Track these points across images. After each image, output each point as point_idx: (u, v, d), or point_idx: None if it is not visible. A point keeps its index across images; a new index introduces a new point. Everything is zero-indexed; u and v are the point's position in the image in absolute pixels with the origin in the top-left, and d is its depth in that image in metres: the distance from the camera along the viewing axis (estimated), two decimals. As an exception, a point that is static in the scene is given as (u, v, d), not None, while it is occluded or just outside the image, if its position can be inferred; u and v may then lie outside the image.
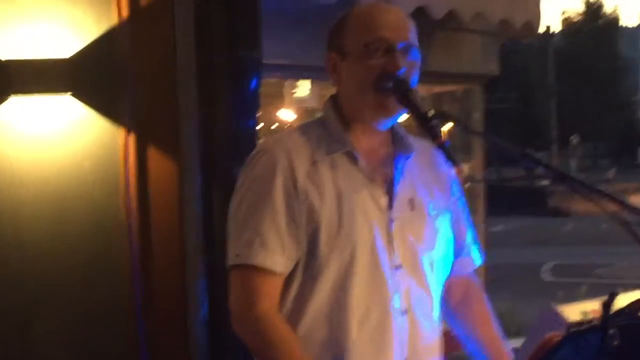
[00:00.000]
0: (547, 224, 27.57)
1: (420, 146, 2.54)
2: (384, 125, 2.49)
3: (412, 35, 2.45)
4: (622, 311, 1.71)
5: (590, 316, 1.71)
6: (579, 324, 1.68)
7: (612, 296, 1.61)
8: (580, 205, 29.63)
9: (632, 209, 2.05)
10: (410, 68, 2.42)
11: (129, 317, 3.47)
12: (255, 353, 2.46)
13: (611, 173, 44.24)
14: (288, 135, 2.51)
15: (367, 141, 2.49)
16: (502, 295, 8.69)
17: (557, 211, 31.35)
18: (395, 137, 2.53)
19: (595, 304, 1.66)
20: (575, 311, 1.76)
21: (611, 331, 1.60)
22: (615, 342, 1.60)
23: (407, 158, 2.52)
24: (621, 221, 2.12)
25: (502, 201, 27.37)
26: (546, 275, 18.17)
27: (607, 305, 1.59)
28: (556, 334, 1.62)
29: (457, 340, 2.75)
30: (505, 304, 8.11)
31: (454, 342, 2.76)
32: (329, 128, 2.49)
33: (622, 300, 1.75)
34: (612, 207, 2.08)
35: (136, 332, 3.47)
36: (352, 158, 2.45)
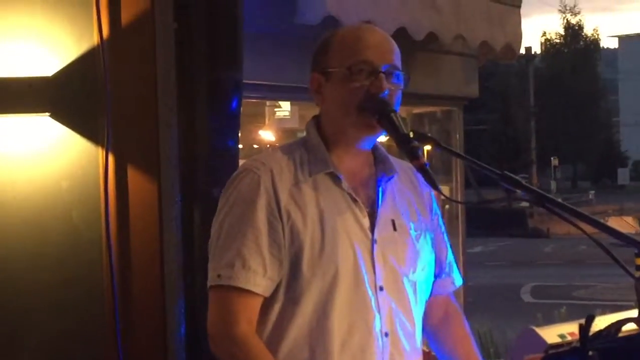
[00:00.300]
0: (527, 245, 27.78)
1: (402, 167, 2.57)
2: (366, 144, 2.51)
3: (396, 58, 2.48)
4: (600, 333, 1.71)
5: (568, 338, 1.71)
6: (558, 346, 1.67)
7: (590, 319, 1.61)
8: (560, 227, 29.83)
9: (609, 230, 2.06)
10: (393, 90, 2.45)
11: (108, 339, 3.44)
12: None
13: (591, 194, 44.52)
14: (271, 155, 2.52)
15: (350, 162, 2.51)
16: (481, 316, 8.70)
17: (536, 232, 31.53)
18: (377, 158, 2.55)
19: (573, 326, 1.66)
20: (553, 333, 1.75)
21: (590, 353, 1.60)
22: None
23: (389, 179, 2.54)
24: (599, 243, 2.13)
25: (481, 222, 27.65)
26: (526, 297, 18.25)
27: (585, 328, 1.59)
28: (535, 357, 1.62)
29: None
30: (484, 325, 8.12)
31: None
32: (311, 148, 2.50)
33: (601, 322, 1.75)
34: (590, 229, 2.09)
35: (115, 353, 3.43)
36: (335, 179, 2.47)
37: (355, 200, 2.47)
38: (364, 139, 2.48)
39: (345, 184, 2.47)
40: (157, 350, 3.51)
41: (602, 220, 2.14)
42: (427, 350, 2.78)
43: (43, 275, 3.45)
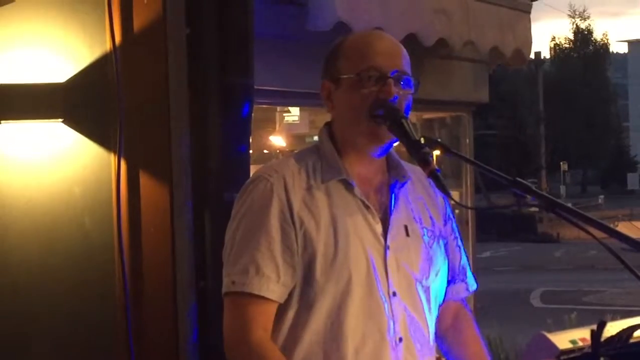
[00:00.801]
0: (537, 250, 27.71)
1: (416, 173, 2.57)
2: (378, 153, 2.51)
3: (405, 63, 2.49)
4: (612, 339, 1.72)
5: (580, 344, 1.71)
6: (570, 351, 1.68)
7: (602, 325, 1.62)
8: (570, 232, 29.77)
9: (619, 235, 2.07)
10: (402, 96, 2.45)
11: (119, 345, 3.45)
12: None
13: (600, 199, 44.39)
14: (284, 162, 2.54)
15: (362, 168, 2.52)
16: (491, 322, 8.68)
17: (546, 237, 31.45)
18: (390, 164, 2.56)
19: (584, 332, 1.67)
20: (565, 339, 1.76)
21: (602, 359, 1.61)
22: None
23: (403, 185, 2.55)
24: (608, 248, 2.14)
25: (491, 227, 27.61)
26: (535, 302, 18.21)
27: (597, 334, 1.60)
28: None
29: None
30: (494, 331, 8.12)
31: None
32: (324, 155, 2.51)
33: (613, 328, 1.76)
34: (600, 234, 2.10)
35: (128, 357, 3.44)
36: (348, 185, 2.48)
37: (367, 207, 2.48)
38: (374, 148, 2.49)
39: (357, 191, 2.47)
40: (169, 357, 3.52)
41: (611, 225, 2.14)
42: (437, 356, 2.78)
43: (55, 281, 3.47)
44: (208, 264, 3.52)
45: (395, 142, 2.47)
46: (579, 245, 25.80)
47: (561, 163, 46.48)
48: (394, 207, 2.52)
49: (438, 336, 2.66)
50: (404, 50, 2.52)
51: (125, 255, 3.46)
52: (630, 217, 34.34)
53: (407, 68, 2.49)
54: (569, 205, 2.27)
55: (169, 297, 3.51)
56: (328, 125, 2.57)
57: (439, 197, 2.62)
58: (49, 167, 3.47)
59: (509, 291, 18.37)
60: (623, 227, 27.69)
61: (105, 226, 3.47)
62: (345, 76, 2.47)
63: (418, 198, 2.59)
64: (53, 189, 3.47)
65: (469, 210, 7.27)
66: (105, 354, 3.50)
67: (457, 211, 7.31)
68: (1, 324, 3.45)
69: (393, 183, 2.54)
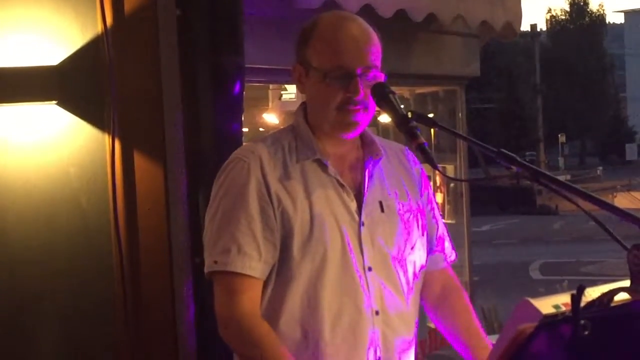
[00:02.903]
0: (536, 222, 27.64)
1: (391, 148, 2.60)
2: (348, 137, 2.53)
3: (373, 56, 2.48)
4: (593, 303, 1.75)
5: (563, 309, 1.75)
6: (553, 316, 1.73)
7: (581, 289, 1.66)
8: (569, 204, 29.50)
9: (603, 204, 2.09)
10: (369, 85, 2.44)
11: (118, 320, 3.49)
12: (241, 356, 2.51)
13: (599, 170, 44.30)
14: (260, 143, 2.54)
15: (336, 147, 2.54)
16: (489, 294, 8.72)
17: (545, 209, 31.38)
18: (364, 141, 2.57)
19: (568, 297, 1.71)
20: (548, 304, 1.79)
21: (582, 322, 1.64)
22: (587, 332, 1.64)
23: (377, 161, 2.56)
24: (591, 215, 2.17)
25: (490, 200, 27.53)
26: (534, 274, 18.23)
27: (576, 298, 1.65)
28: (529, 325, 1.67)
29: (442, 336, 2.78)
30: (489, 302, 8.15)
31: (438, 339, 2.81)
32: (299, 135, 2.53)
33: (595, 292, 1.79)
34: (590, 204, 2.12)
35: (126, 334, 3.48)
36: (322, 165, 2.49)
37: (342, 185, 2.49)
38: (342, 134, 2.51)
39: (331, 170, 2.49)
40: (166, 334, 3.56)
41: (592, 193, 2.17)
42: (432, 327, 2.80)
43: (53, 258, 3.50)
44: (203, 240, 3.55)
45: (365, 127, 2.51)
46: (577, 217, 25.75)
47: (559, 135, 46.40)
48: (368, 184, 2.53)
49: (428, 308, 2.69)
50: (374, 39, 2.50)
51: (122, 232, 3.49)
52: (629, 188, 34.27)
53: (375, 60, 2.48)
54: (568, 177, 2.27)
55: (166, 272, 3.55)
56: (303, 105, 2.58)
57: (415, 168, 2.64)
58: (45, 148, 3.49)
59: (508, 264, 18.39)
60: (621, 198, 27.65)
61: (102, 205, 3.50)
62: (314, 67, 2.47)
63: (394, 173, 2.60)
64: (49, 170, 3.49)
65: (464, 184, 7.27)
66: (103, 330, 3.54)
67: (452, 185, 7.37)
68: (2, 299, 3.48)
69: (367, 160, 2.55)
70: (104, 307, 3.53)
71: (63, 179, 3.50)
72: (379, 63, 2.49)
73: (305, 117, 2.55)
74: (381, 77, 2.48)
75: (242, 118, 3.83)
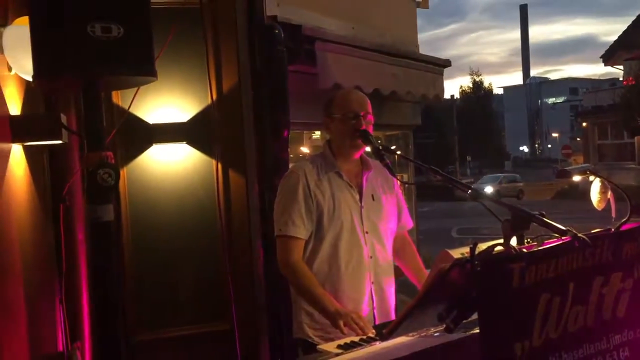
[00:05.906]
0: (455, 205, 27.29)
1: (376, 165, 2.54)
2: (356, 155, 2.50)
3: (368, 107, 2.46)
4: (482, 252, 1.74)
5: (466, 255, 1.73)
6: (459, 260, 1.70)
7: (475, 244, 1.65)
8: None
9: (470, 190, 1.95)
10: (368, 124, 2.44)
11: (221, 266, 3.42)
12: (292, 284, 2.46)
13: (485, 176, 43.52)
14: (303, 163, 2.51)
15: (347, 165, 2.51)
16: (427, 247, 8.62)
17: (460, 198, 30.95)
18: (362, 161, 2.54)
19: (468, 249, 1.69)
20: (458, 253, 1.78)
21: (476, 262, 1.62)
22: (478, 268, 1.62)
23: (369, 172, 2.53)
24: (484, 204, 2.03)
25: (428, 192, 27.20)
26: (454, 234, 18.06)
27: (472, 249, 1.63)
28: (446, 265, 1.66)
29: (401, 270, 2.71)
30: (428, 252, 8.04)
31: (399, 271, 2.76)
32: (326, 158, 2.50)
33: (483, 246, 1.77)
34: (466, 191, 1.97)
35: (225, 275, 3.39)
36: (339, 175, 2.47)
37: (351, 186, 2.48)
38: (354, 153, 2.49)
39: (345, 177, 2.47)
40: (248, 269, 3.48)
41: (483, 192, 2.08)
42: (397, 265, 2.75)
43: (184, 229, 3.45)
44: (268, 220, 3.50)
45: (365, 149, 2.48)
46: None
47: (467, 157, 45.89)
48: (365, 185, 2.50)
49: (394, 254, 2.62)
50: (367, 99, 2.49)
51: (223, 216, 3.43)
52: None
53: (370, 108, 2.46)
54: (472, 180, 2.15)
55: (246, 237, 3.49)
56: (328, 141, 2.56)
57: (390, 178, 2.58)
58: (180, 167, 3.45)
59: (438, 229, 18.21)
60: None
61: (211, 198, 3.44)
62: (336, 116, 2.46)
63: (378, 179, 2.55)
64: (183, 179, 3.45)
65: (412, 186, 7.22)
66: (213, 267, 3.45)
67: (406, 185, 7.30)
68: (154, 256, 3.43)
69: (364, 172, 2.52)
70: (214, 260, 3.44)
71: (190, 183, 3.46)
72: (371, 111, 2.47)
73: (329, 148, 2.52)
74: (372, 119, 2.45)
75: (289, 150, 3.83)
